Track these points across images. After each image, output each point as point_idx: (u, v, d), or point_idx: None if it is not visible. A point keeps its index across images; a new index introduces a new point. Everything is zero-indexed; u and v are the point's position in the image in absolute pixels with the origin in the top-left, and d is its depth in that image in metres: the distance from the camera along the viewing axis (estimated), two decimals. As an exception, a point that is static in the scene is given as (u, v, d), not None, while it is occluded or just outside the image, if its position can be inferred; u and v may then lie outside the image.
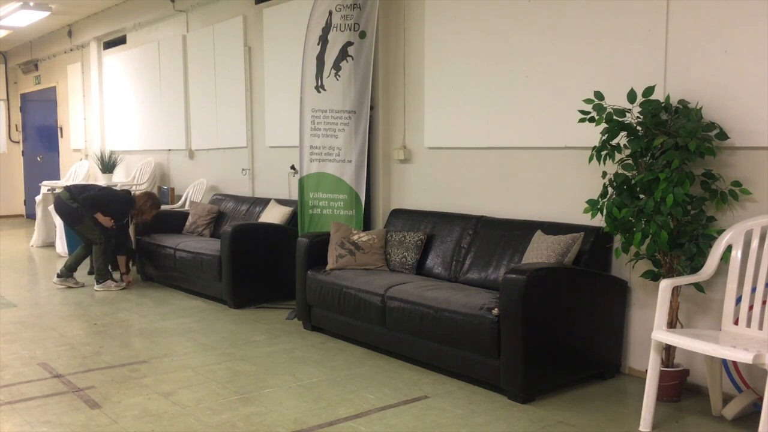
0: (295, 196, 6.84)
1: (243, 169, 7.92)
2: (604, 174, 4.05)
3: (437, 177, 5.61)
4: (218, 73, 8.19)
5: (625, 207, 3.85)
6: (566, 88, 4.59)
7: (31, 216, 13.52)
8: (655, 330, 3.48)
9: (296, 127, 6.25)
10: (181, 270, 6.78)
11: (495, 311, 3.91)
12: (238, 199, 7.53)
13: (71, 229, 7.12)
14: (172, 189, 9.19)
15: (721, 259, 3.62)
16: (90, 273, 7.45)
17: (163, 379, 4.32)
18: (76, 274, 7.25)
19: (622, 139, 3.96)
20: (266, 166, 7.61)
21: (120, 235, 7.08)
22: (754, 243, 3.57)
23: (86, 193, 6.83)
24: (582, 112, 4.02)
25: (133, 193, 7.24)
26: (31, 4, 9.50)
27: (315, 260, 5.36)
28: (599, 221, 4.27)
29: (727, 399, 3.71)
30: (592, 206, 4.03)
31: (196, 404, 3.88)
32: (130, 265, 7.28)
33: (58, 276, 7.10)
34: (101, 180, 10.09)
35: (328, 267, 5.23)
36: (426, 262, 5.20)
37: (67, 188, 6.98)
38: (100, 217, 6.86)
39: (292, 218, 6.51)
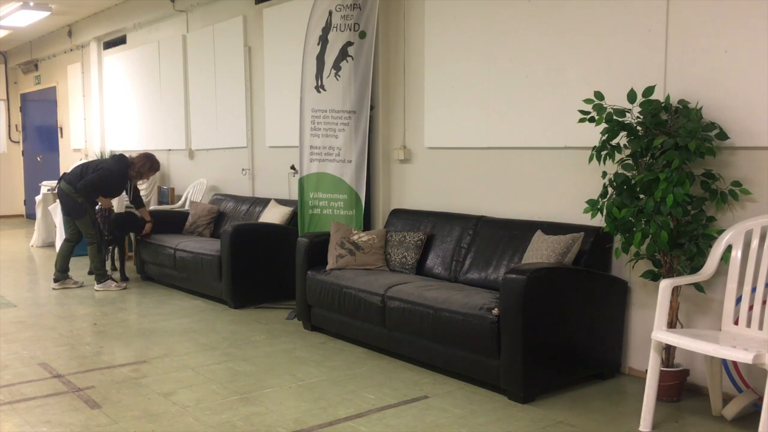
0: (295, 196, 6.84)
1: (243, 169, 7.92)
2: (604, 174, 4.05)
3: (437, 177, 5.61)
4: (218, 73, 8.19)
5: (625, 207, 3.85)
6: (566, 88, 4.59)
7: (31, 216, 13.52)
8: (655, 330, 3.47)
9: (296, 127, 6.25)
10: (181, 270, 6.78)
11: (495, 311, 3.91)
12: (238, 199, 7.53)
13: (71, 220, 7.05)
14: (172, 189, 9.19)
15: (721, 259, 3.62)
16: (90, 273, 7.45)
17: (163, 379, 4.31)
18: (73, 274, 7.25)
19: (622, 139, 3.96)
20: (266, 166, 7.61)
21: (124, 220, 7.23)
22: (754, 243, 3.57)
23: (84, 179, 6.74)
24: (582, 112, 4.02)
25: (129, 156, 7.08)
26: (31, 4, 9.50)
27: (315, 260, 5.35)
28: (599, 221, 4.27)
29: (727, 399, 3.72)
30: (592, 206, 4.03)
31: (196, 404, 3.88)
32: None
33: (55, 281, 7.09)
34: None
35: (328, 267, 5.23)
36: (426, 262, 5.20)
37: (67, 180, 6.83)
38: (101, 199, 6.88)
39: (292, 218, 6.50)
